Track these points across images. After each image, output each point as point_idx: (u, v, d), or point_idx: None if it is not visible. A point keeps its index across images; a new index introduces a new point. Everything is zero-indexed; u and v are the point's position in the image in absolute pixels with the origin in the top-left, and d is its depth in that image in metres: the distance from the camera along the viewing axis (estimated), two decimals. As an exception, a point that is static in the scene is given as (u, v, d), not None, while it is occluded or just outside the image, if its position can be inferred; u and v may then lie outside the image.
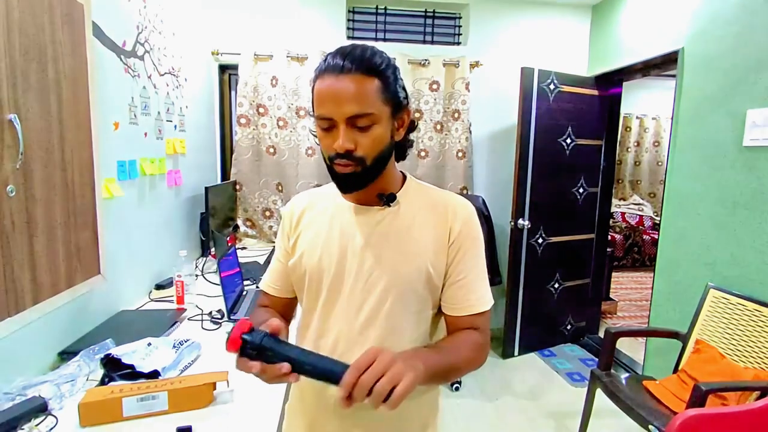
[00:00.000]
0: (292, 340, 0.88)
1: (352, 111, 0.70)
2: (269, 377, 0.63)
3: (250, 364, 0.62)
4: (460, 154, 2.95)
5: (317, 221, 0.84)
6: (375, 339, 0.76)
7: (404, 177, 0.86)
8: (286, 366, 0.61)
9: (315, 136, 0.85)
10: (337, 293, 0.79)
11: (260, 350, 0.62)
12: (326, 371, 0.62)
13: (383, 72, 0.73)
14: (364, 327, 0.77)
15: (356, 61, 0.70)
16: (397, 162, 0.84)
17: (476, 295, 0.79)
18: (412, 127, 0.82)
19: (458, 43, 3.13)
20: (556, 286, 3.06)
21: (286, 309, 0.92)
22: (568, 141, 2.91)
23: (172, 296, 1.72)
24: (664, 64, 2.54)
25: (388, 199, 0.80)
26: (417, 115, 2.90)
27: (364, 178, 0.75)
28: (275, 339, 0.64)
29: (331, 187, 0.87)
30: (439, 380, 0.75)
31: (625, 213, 5.56)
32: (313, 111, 0.76)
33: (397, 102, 0.76)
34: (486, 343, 0.80)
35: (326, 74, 0.72)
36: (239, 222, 2.96)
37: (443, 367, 0.71)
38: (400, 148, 0.82)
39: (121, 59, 1.62)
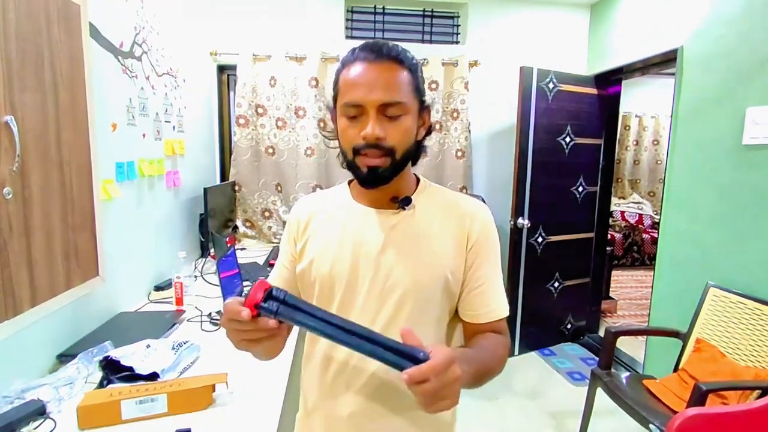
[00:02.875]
0: (297, 351, 0.87)
1: (384, 98, 0.69)
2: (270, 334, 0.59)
3: (263, 320, 0.58)
4: (459, 154, 2.95)
5: (327, 226, 0.80)
6: None
7: (417, 179, 0.83)
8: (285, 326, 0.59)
9: (326, 136, 0.83)
10: (351, 301, 0.75)
11: (286, 305, 0.58)
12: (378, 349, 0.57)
13: (412, 66, 0.73)
14: None
15: (389, 52, 0.71)
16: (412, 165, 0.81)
17: (496, 301, 0.77)
18: (430, 131, 0.80)
19: (457, 43, 3.13)
20: (556, 285, 3.05)
21: None
22: (568, 140, 2.91)
23: (171, 298, 1.71)
24: (664, 62, 2.54)
25: (403, 202, 0.76)
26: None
27: (391, 173, 0.72)
28: (296, 297, 0.60)
29: (340, 190, 0.85)
30: (476, 382, 0.69)
31: (624, 212, 5.56)
32: (335, 102, 0.75)
33: (422, 99, 0.76)
34: (510, 345, 0.79)
35: (357, 62, 0.71)
36: (238, 223, 2.96)
37: (482, 370, 0.68)
38: (416, 152, 0.78)
39: (118, 60, 1.62)
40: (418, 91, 0.74)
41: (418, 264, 0.74)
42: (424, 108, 0.77)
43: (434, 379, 0.52)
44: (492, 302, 0.77)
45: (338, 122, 0.74)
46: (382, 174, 0.72)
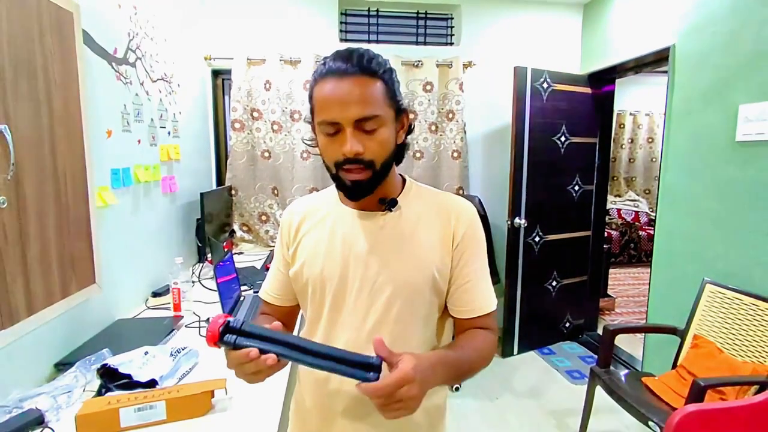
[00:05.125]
0: None
1: (359, 114, 0.69)
2: (254, 370, 0.62)
3: (244, 350, 0.61)
4: (455, 155, 2.96)
5: (317, 229, 0.82)
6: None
7: (403, 180, 0.85)
8: (272, 357, 0.61)
9: (310, 145, 0.84)
10: (342, 301, 0.77)
11: (244, 335, 0.62)
12: (337, 364, 0.61)
13: (384, 74, 0.73)
14: (372, 334, 0.75)
15: (358, 64, 0.70)
16: (396, 165, 0.82)
17: (483, 297, 0.80)
18: (410, 129, 0.81)
19: (451, 44, 3.14)
20: (554, 284, 3.06)
21: (287, 317, 0.91)
22: (563, 139, 2.92)
23: (168, 304, 1.71)
24: (656, 61, 2.55)
25: (390, 203, 0.78)
26: (411, 116, 2.91)
27: (373, 184, 0.74)
28: (254, 325, 0.64)
29: (329, 193, 0.87)
30: (455, 382, 0.74)
31: (620, 209, 5.58)
32: (312, 117, 0.75)
33: (398, 104, 0.76)
34: (496, 340, 0.81)
35: (328, 78, 0.70)
36: (235, 227, 2.95)
37: (462, 370, 0.72)
38: (398, 151, 0.80)
39: (112, 67, 1.62)
40: (393, 99, 0.74)
41: (407, 263, 0.76)
42: (402, 111, 0.77)
43: (385, 396, 0.58)
44: (478, 298, 0.79)
45: (318, 138, 0.76)
46: (365, 187, 0.74)
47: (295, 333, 0.84)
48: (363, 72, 0.70)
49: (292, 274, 0.83)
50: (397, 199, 0.80)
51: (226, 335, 0.61)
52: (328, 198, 0.85)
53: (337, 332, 0.78)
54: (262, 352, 0.61)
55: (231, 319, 0.62)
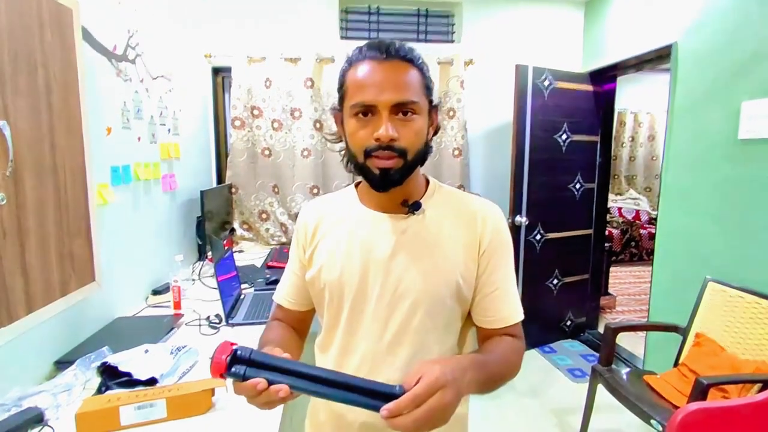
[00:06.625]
0: (309, 358, 0.85)
1: (398, 98, 0.66)
2: (265, 401, 0.56)
3: (252, 382, 0.54)
4: (456, 153, 2.95)
5: (335, 231, 0.78)
6: (404, 357, 0.72)
7: (427, 181, 0.81)
8: (284, 389, 0.54)
9: (331, 140, 0.80)
10: (362, 308, 0.74)
11: (253, 366, 0.56)
12: (351, 395, 0.55)
13: (421, 65, 0.72)
14: (393, 344, 0.72)
15: (398, 50, 0.69)
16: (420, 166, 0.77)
17: (511, 306, 0.76)
18: (437, 130, 0.79)
19: (452, 42, 3.13)
20: (555, 282, 3.06)
21: (301, 323, 0.87)
22: (564, 137, 2.91)
23: (168, 301, 1.70)
24: (658, 58, 2.54)
25: (413, 206, 0.74)
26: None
27: (403, 175, 0.70)
28: (264, 354, 0.58)
29: (347, 193, 0.83)
30: (486, 389, 0.68)
31: (621, 208, 5.57)
32: (341, 103, 0.73)
33: (431, 98, 0.74)
34: (524, 349, 0.77)
35: (366, 61, 0.68)
36: (236, 225, 2.95)
37: (493, 375, 0.67)
38: (425, 153, 0.75)
39: (112, 63, 1.61)
40: (428, 90, 0.72)
41: (430, 269, 0.72)
42: (432, 107, 0.75)
43: (415, 409, 0.51)
44: (506, 307, 0.75)
45: (347, 124, 0.72)
46: (394, 176, 0.69)
47: (306, 336, 0.80)
48: (402, 58, 0.69)
49: (308, 278, 0.79)
50: (421, 201, 0.76)
51: (234, 366, 0.56)
52: (347, 198, 0.81)
53: (356, 341, 0.75)
54: (271, 383, 0.55)
55: (237, 347, 0.57)
